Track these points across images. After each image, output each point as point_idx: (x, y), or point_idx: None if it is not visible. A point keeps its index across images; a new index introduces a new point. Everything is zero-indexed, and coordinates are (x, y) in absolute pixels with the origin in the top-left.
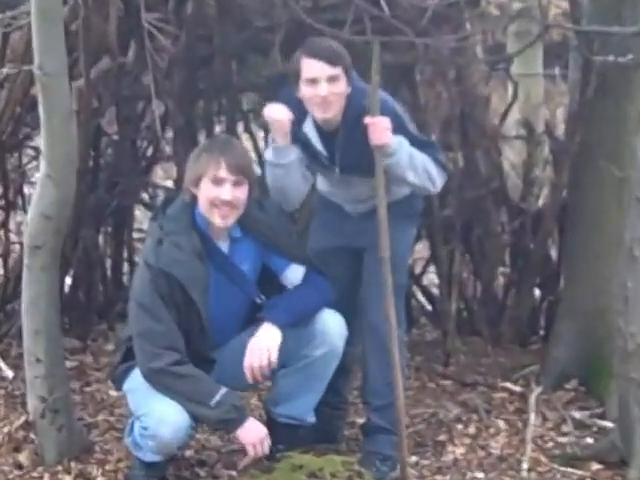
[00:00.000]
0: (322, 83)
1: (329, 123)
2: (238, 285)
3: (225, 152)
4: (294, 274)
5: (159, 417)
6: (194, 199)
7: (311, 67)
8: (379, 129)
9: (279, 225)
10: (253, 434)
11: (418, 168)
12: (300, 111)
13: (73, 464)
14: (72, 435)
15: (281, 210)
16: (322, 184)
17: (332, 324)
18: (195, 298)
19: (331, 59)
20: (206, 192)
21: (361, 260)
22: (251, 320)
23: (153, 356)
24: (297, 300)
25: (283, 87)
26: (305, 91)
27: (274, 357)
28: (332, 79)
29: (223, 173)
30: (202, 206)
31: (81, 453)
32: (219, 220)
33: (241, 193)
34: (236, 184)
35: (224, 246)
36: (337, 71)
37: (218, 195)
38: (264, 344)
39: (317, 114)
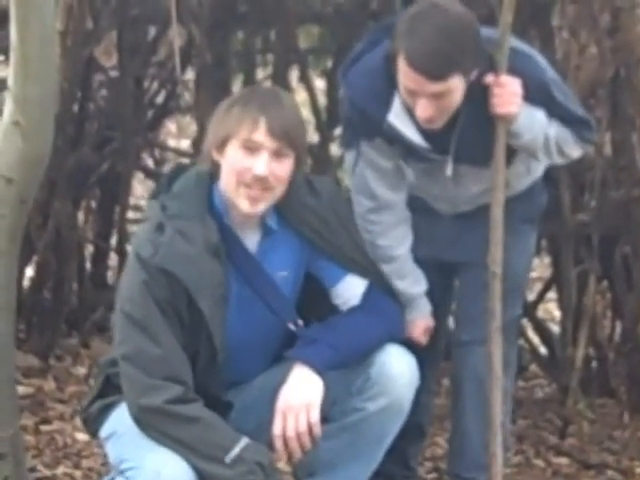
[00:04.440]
0: (422, 99)
1: None
2: (267, 301)
3: (267, 108)
4: (351, 290)
5: (154, 474)
6: (215, 170)
7: (409, 76)
8: (505, 93)
9: (335, 217)
10: None
11: (552, 151)
12: (386, 91)
13: None
14: None
15: (339, 196)
16: (409, 174)
17: (398, 366)
18: (205, 311)
19: (437, 73)
20: (233, 161)
21: (451, 280)
22: (286, 349)
23: (146, 389)
24: (349, 330)
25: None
26: (403, 94)
27: (315, 418)
28: (438, 96)
29: (260, 136)
30: (225, 181)
31: None
32: (246, 204)
33: (282, 168)
34: (277, 155)
35: (251, 242)
36: (447, 85)
37: (250, 167)
38: (299, 401)
39: (420, 122)
